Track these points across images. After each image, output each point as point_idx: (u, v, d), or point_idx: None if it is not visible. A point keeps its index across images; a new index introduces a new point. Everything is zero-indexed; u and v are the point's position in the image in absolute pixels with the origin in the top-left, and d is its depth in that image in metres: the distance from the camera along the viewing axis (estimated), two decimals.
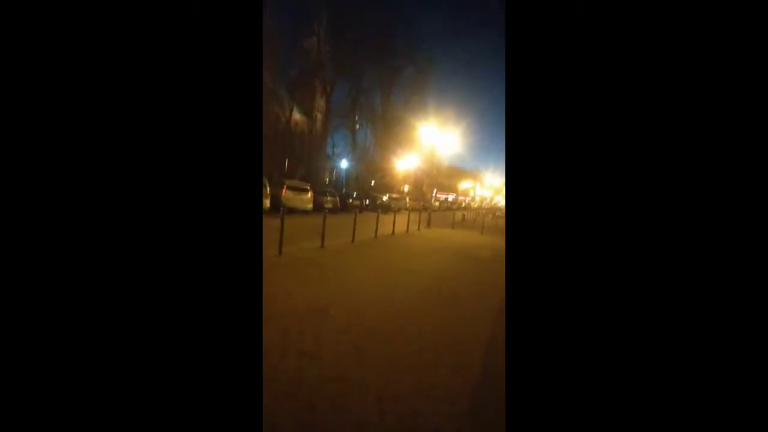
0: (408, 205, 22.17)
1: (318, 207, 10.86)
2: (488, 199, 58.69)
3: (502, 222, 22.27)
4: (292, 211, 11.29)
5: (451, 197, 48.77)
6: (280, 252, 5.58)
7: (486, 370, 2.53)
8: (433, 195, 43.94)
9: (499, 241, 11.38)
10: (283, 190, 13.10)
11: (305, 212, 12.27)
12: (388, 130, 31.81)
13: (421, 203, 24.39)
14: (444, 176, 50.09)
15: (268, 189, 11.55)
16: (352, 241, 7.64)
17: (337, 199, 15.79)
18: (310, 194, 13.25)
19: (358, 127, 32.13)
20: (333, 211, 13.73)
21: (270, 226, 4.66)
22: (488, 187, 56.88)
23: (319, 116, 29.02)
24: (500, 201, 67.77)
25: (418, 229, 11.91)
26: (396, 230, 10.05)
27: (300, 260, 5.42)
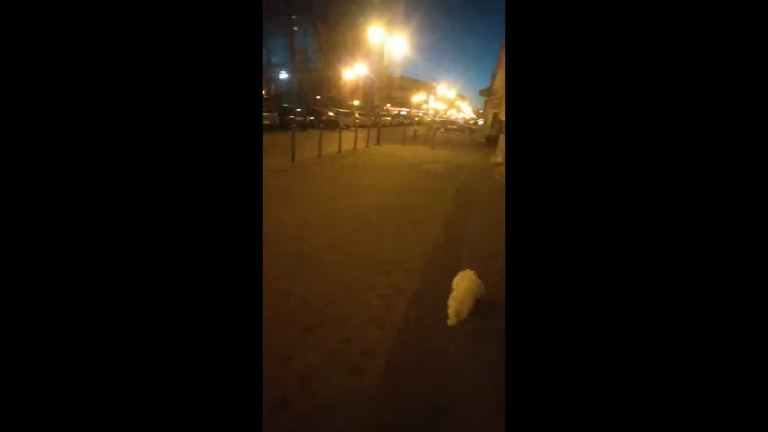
0: (358, 120, 20.83)
1: None
2: (442, 112, 57.59)
3: (453, 136, 22.16)
4: None
5: (404, 111, 47.01)
6: None
7: (422, 284, 2.44)
8: (386, 109, 41.94)
9: (450, 155, 11.28)
10: None
11: None
12: (331, 30, 27.76)
13: (372, 118, 23.08)
14: (396, 88, 47.30)
15: None
16: (293, 161, 6.98)
17: (276, 115, 14.12)
18: None
19: (295, 28, 27.62)
20: (270, 128, 12.44)
21: None
22: (441, 99, 55.27)
23: None
24: (453, 113, 66.96)
25: (367, 146, 11.31)
26: (343, 148, 9.41)
27: None
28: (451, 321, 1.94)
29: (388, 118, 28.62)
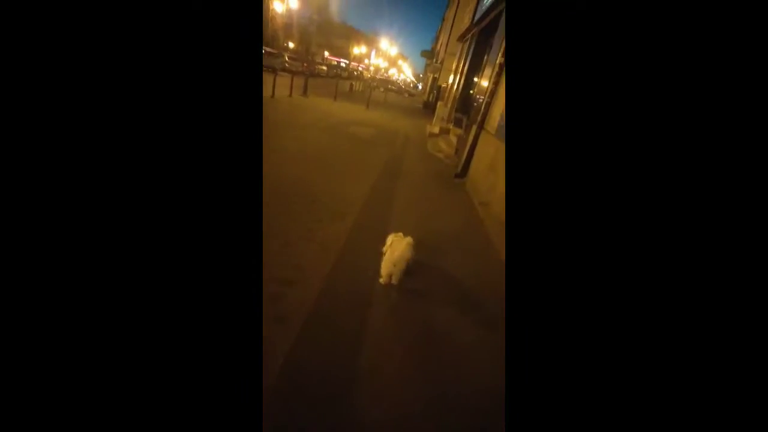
0: (287, 64, 18.15)
1: None
2: (383, 70, 54.96)
3: (391, 97, 20.90)
4: None
5: (344, 63, 43.51)
6: None
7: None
8: (325, 58, 38.19)
9: (385, 118, 10.22)
10: None
11: None
12: None
13: (304, 65, 20.42)
14: (337, 35, 43.12)
15: None
16: None
17: None
18: None
19: None
20: None
21: None
22: (383, 55, 52.42)
23: None
24: (394, 73, 64.55)
25: (290, 95, 9.58)
26: None
27: None
28: (384, 280, 2.01)
29: (324, 68, 25.80)
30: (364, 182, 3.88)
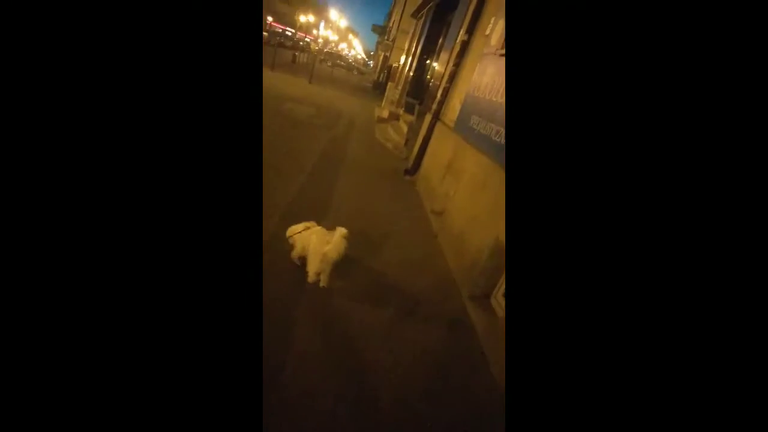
0: None
1: None
2: (332, 44, 51.93)
3: (339, 73, 19.47)
4: None
5: (290, 32, 40.01)
6: None
7: None
8: (268, 24, 34.64)
9: (328, 96, 9.14)
10: None
11: None
12: None
13: None
14: (282, 0, 39.26)
15: None
16: None
17: None
18: None
19: None
20: None
21: None
22: (332, 27, 49.32)
23: None
24: (344, 48, 61.54)
25: None
26: None
27: None
28: (312, 278, 1.81)
29: (265, 33, 23.20)
30: (294, 177, 3.01)
